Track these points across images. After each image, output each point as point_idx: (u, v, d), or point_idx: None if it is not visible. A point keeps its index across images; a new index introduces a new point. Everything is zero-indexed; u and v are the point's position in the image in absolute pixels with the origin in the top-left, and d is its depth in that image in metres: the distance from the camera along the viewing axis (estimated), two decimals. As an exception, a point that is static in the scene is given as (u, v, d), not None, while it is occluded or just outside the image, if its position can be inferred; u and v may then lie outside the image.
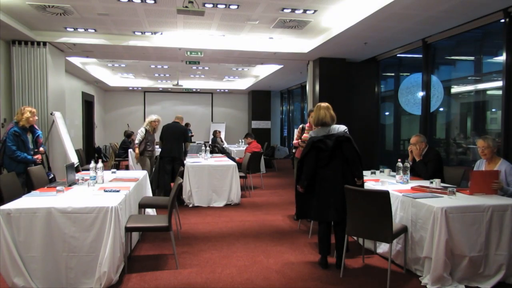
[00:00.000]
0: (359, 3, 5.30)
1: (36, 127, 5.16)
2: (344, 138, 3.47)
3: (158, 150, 8.05)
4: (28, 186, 4.37)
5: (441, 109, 6.83)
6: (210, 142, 12.38)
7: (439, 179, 4.03)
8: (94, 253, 3.10)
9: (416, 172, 4.60)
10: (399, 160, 4.35)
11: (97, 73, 11.66)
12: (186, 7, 4.76)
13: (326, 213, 3.56)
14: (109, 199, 3.35)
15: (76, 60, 9.47)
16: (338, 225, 3.61)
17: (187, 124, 13.56)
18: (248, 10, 5.65)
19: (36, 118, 5.12)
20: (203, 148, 7.61)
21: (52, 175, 5.40)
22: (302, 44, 7.66)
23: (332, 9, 5.59)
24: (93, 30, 6.85)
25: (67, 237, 3.07)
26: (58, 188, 3.58)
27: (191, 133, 13.79)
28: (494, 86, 5.94)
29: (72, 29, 6.76)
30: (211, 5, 5.39)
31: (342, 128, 3.58)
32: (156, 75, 12.49)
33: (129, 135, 10.13)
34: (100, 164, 4.21)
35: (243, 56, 8.30)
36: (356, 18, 5.58)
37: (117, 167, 9.64)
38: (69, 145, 7.05)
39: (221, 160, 7.02)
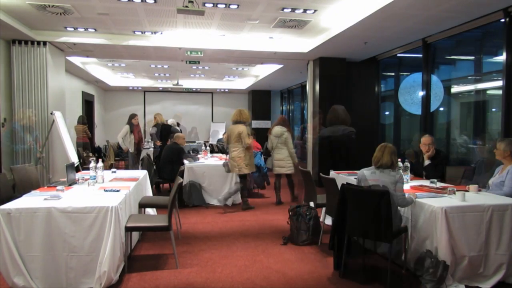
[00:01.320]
0: (359, 3, 5.30)
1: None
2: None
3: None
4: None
5: (441, 108, 6.82)
6: (215, 143, 12.21)
7: (438, 179, 4.04)
8: (94, 252, 3.10)
9: (418, 172, 4.59)
10: (399, 160, 4.34)
11: (97, 72, 11.66)
12: (186, 6, 4.75)
13: None
14: (109, 198, 3.35)
15: (76, 60, 9.47)
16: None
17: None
18: (248, 10, 5.65)
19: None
20: (203, 147, 7.61)
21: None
22: (302, 43, 7.65)
23: (332, 8, 5.59)
24: (93, 30, 6.84)
25: (67, 237, 3.08)
26: (58, 187, 3.59)
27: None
28: (494, 85, 5.94)
29: (72, 29, 6.76)
30: (211, 5, 5.39)
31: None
32: (156, 74, 12.49)
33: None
34: (100, 164, 4.22)
35: (243, 55, 8.30)
36: (356, 18, 5.58)
37: (116, 167, 9.63)
38: (69, 145, 7.05)
39: (221, 160, 7.02)
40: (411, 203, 3.39)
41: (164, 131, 7.86)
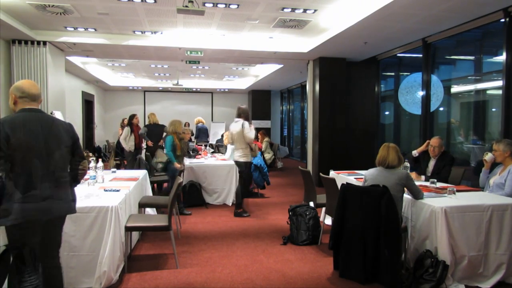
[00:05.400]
0: (359, 3, 5.30)
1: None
2: None
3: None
4: None
5: (441, 108, 6.83)
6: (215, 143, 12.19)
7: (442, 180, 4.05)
8: (94, 252, 3.10)
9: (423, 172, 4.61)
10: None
11: (97, 72, 11.66)
12: (186, 6, 4.75)
13: None
14: (109, 198, 3.36)
15: (76, 60, 9.47)
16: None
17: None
18: (248, 10, 5.65)
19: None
20: (203, 147, 7.60)
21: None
22: (302, 43, 7.65)
23: (332, 8, 5.59)
24: (93, 30, 6.84)
25: (67, 237, 3.07)
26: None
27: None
28: (494, 85, 5.94)
29: (72, 29, 6.76)
30: (211, 5, 5.39)
31: None
32: (156, 74, 12.49)
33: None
34: (100, 164, 4.22)
35: (243, 55, 8.30)
36: (356, 18, 5.58)
37: (118, 167, 9.63)
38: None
39: (221, 160, 7.02)
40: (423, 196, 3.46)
41: (154, 131, 7.73)
